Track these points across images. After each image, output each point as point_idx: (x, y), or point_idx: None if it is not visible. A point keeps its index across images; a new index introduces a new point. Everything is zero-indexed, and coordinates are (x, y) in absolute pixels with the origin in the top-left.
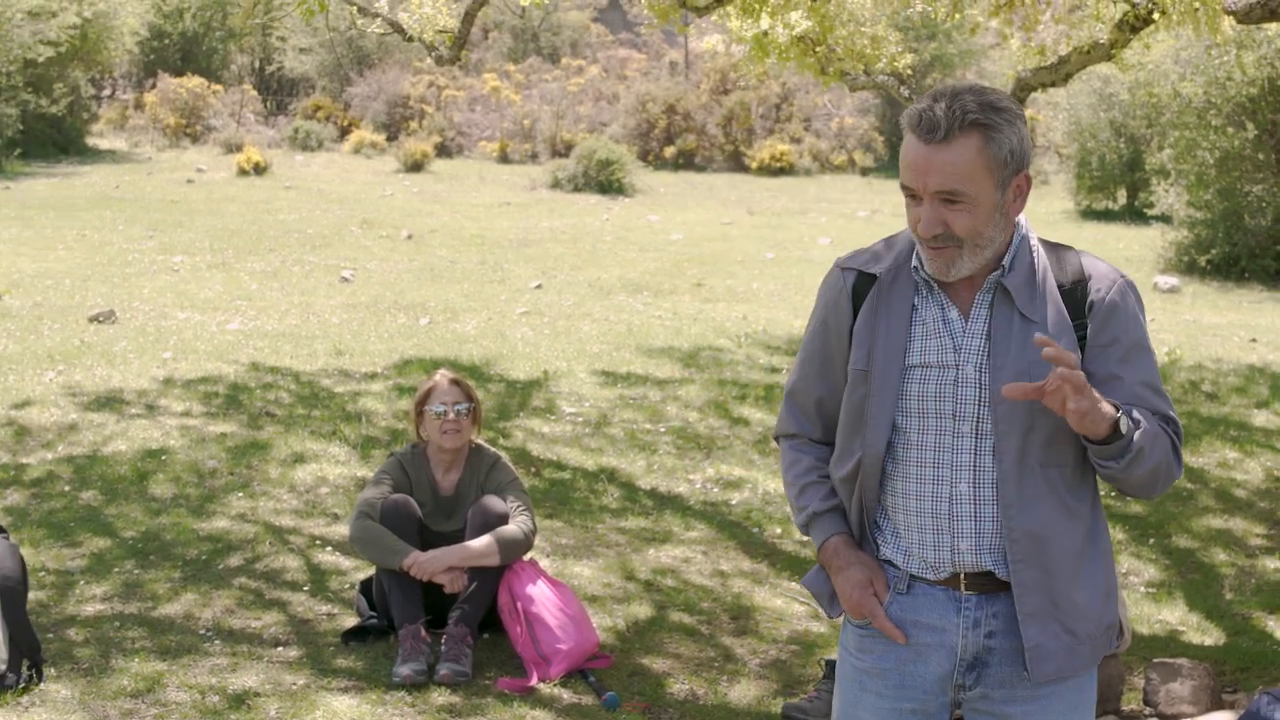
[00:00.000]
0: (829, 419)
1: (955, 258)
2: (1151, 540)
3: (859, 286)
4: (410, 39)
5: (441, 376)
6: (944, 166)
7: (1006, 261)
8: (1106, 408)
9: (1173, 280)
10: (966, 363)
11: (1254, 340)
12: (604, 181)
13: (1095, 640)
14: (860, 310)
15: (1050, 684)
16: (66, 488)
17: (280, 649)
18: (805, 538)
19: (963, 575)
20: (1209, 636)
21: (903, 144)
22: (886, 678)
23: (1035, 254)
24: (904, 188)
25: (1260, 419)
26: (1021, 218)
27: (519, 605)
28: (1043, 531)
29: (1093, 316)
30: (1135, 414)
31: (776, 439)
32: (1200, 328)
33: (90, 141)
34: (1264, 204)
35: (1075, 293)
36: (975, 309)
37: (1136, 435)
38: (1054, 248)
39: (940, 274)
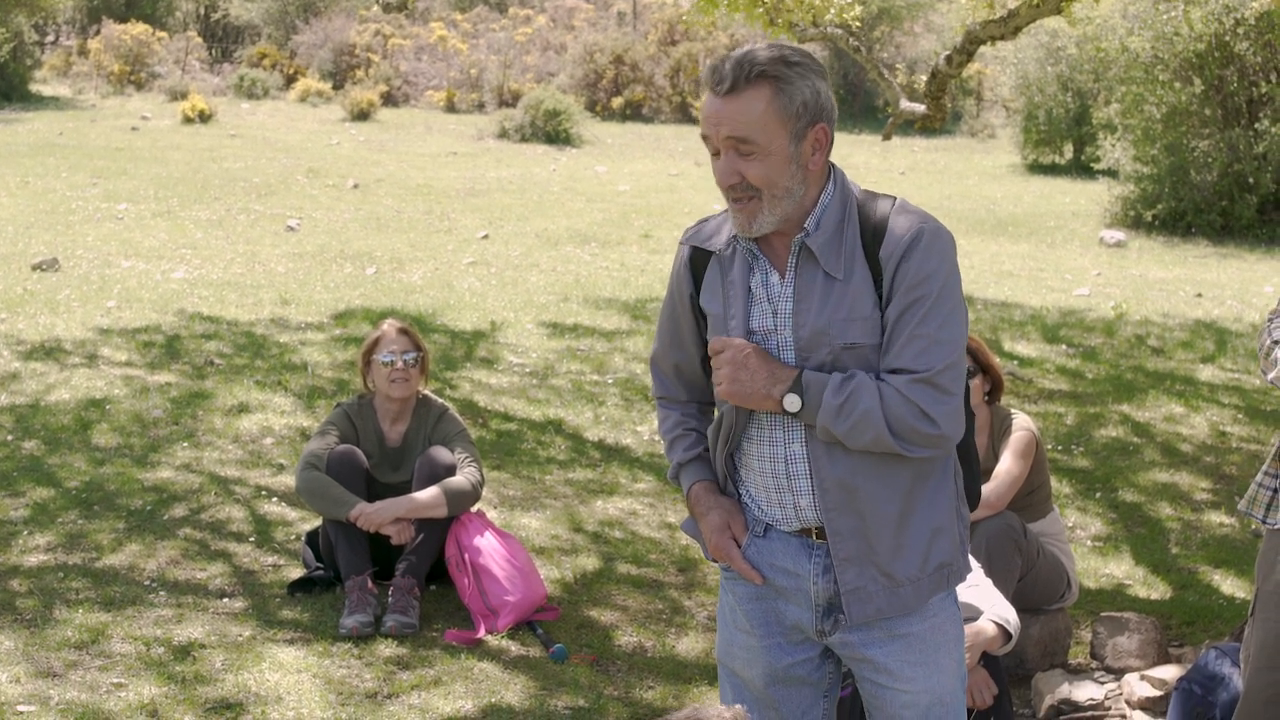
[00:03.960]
0: (689, 382)
1: (756, 210)
2: (1098, 494)
3: (695, 259)
4: None
5: (389, 326)
6: (733, 116)
7: (810, 224)
8: (772, 390)
9: (1119, 235)
10: (785, 325)
11: (1199, 295)
12: (551, 132)
13: (919, 583)
14: (703, 283)
15: (908, 624)
16: (9, 437)
17: (225, 600)
18: None
19: (813, 529)
20: (1155, 590)
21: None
22: (752, 616)
23: (847, 210)
24: (704, 138)
25: (1206, 374)
26: (841, 174)
27: (466, 557)
28: (852, 481)
29: (886, 267)
30: (830, 393)
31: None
32: (1146, 283)
33: (33, 88)
34: (1210, 159)
35: (874, 246)
36: (788, 272)
37: (820, 414)
38: (871, 200)
39: (744, 229)
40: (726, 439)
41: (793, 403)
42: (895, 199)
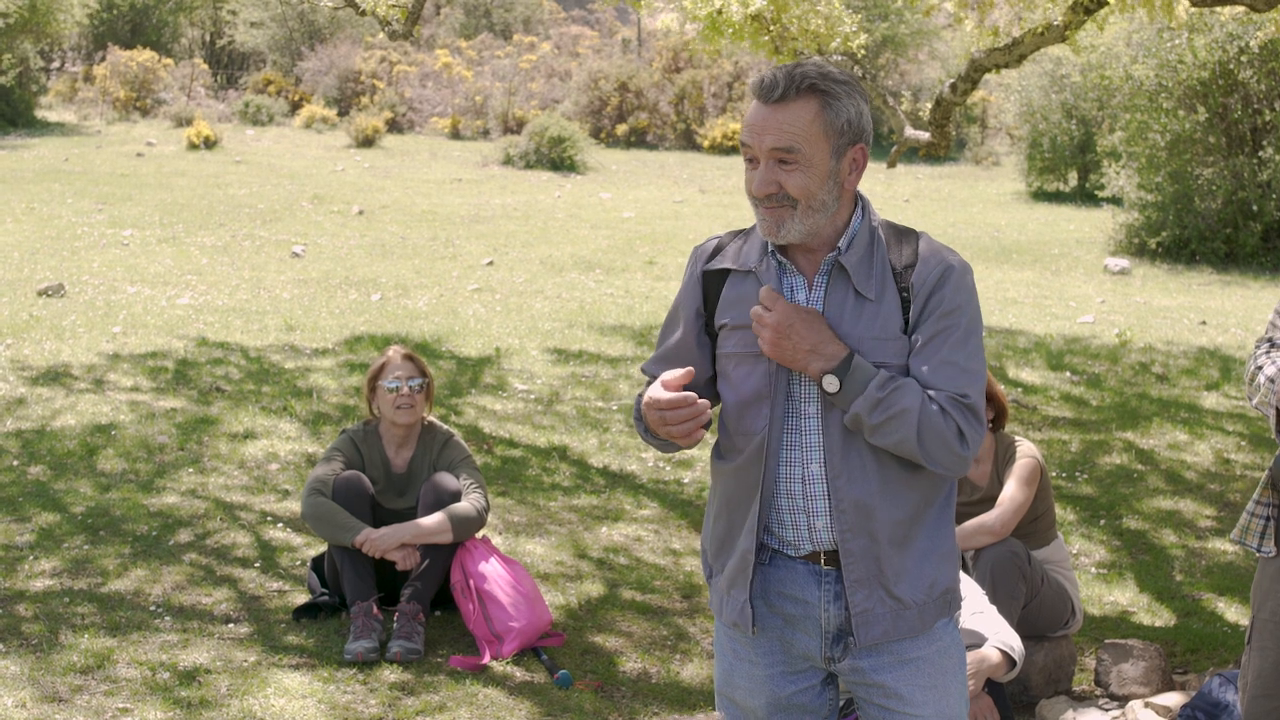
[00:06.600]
0: None
1: (786, 217)
2: (1102, 522)
3: (708, 278)
4: (363, 13)
5: (395, 352)
6: (780, 125)
7: (843, 243)
8: (810, 364)
9: (1123, 262)
10: None
11: (1203, 323)
12: (556, 159)
13: (924, 607)
14: (721, 301)
15: (917, 648)
16: (15, 462)
17: (231, 625)
18: None
19: (822, 552)
20: (1159, 618)
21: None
22: (757, 645)
23: (875, 235)
24: (743, 146)
25: (1210, 401)
26: (867, 201)
27: (471, 583)
28: (869, 501)
29: (916, 296)
30: (876, 386)
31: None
32: (1150, 310)
33: (39, 114)
34: (1214, 187)
35: (906, 274)
36: (814, 290)
37: (859, 403)
38: (896, 231)
39: (769, 234)
40: (767, 464)
41: (830, 383)
42: (920, 232)
